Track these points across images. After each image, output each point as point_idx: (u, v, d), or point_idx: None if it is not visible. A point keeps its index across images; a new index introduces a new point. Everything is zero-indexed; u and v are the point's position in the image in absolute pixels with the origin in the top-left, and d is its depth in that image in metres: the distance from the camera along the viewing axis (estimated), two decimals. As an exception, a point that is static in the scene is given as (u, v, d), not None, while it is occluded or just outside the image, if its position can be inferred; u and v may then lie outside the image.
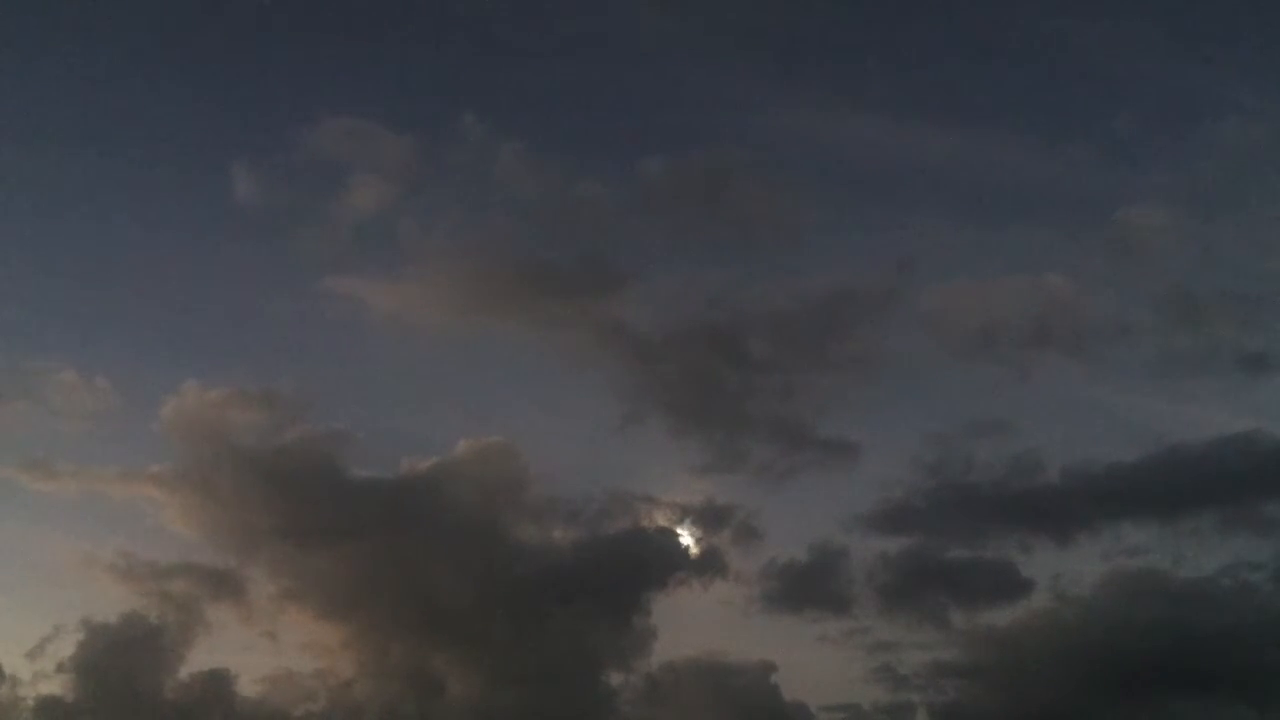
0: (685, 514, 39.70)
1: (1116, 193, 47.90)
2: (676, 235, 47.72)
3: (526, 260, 45.31)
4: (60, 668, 34.53)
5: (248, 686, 35.31)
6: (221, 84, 51.66)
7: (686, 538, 39.29)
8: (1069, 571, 36.79)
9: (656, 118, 51.74)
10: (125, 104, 50.07)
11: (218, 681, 35.00)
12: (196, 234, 49.55)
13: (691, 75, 52.32)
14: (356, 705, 35.17)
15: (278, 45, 52.16)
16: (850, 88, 52.14)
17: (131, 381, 43.19)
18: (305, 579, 37.63)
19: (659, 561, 38.12)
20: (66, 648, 34.82)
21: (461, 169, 47.21)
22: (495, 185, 47.00)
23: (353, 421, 41.79)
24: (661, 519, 39.67)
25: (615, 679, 35.64)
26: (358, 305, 46.68)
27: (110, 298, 48.37)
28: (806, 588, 37.67)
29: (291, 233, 47.04)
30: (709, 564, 38.54)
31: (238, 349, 48.58)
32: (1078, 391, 44.55)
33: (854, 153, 51.49)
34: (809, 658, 36.56)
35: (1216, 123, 46.29)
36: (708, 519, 39.50)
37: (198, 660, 35.56)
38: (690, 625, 37.86)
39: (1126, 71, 49.42)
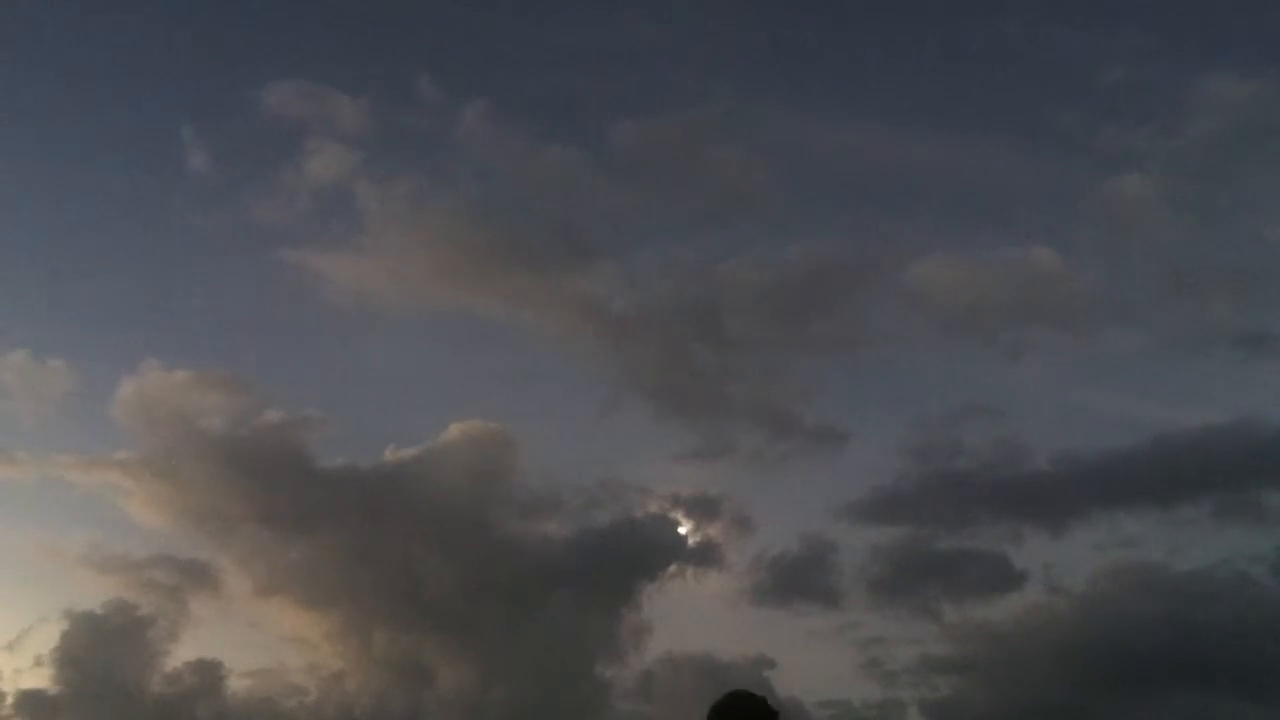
0: (675, 504, 39.22)
1: (1105, 161, 46.81)
2: (651, 205, 46.38)
3: (493, 231, 43.91)
4: (39, 661, 33.81)
5: (234, 680, 34.75)
6: (171, 48, 49.68)
7: (681, 529, 38.87)
8: (1062, 562, 36.30)
9: (628, 81, 50.14)
10: (72, 69, 48.00)
11: (207, 673, 34.31)
12: (149, 203, 47.98)
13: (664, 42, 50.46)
14: (348, 698, 34.58)
15: (226, 6, 49.83)
16: (834, 84, 50.44)
17: (88, 362, 42.17)
18: (287, 570, 37.04)
19: (651, 553, 37.55)
20: (45, 641, 34.13)
21: (421, 134, 45.70)
22: (457, 151, 45.50)
23: (322, 405, 41.08)
24: (652, 508, 39.15)
25: (608, 672, 35.13)
26: (317, 278, 45.64)
27: (61, 273, 46.80)
28: (797, 580, 37.21)
29: (247, 202, 45.88)
30: (701, 555, 38.18)
31: (197, 326, 47.92)
32: (1068, 373, 43.87)
33: (840, 145, 50.00)
34: (801, 652, 36.23)
35: (1209, 83, 44.63)
36: (698, 509, 39.10)
37: (181, 654, 34.83)
38: (682, 618, 37.56)
39: (1112, 32, 47.70)
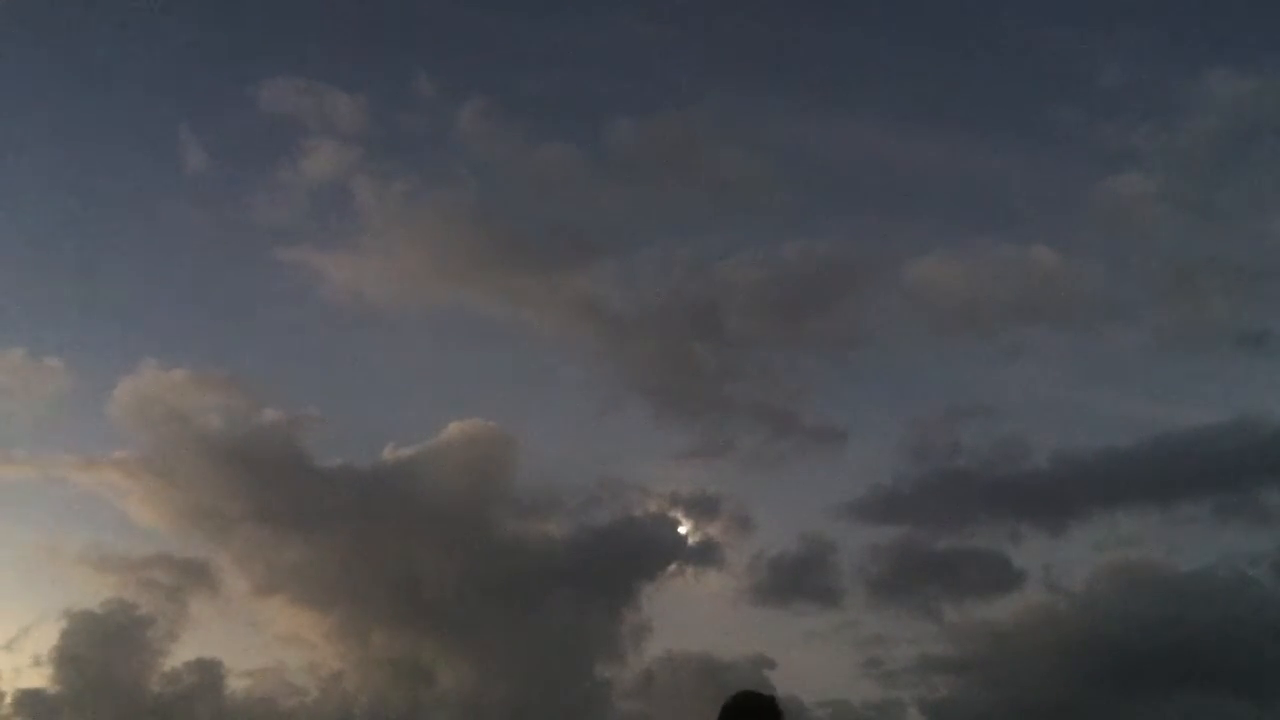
0: (674, 503, 39.16)
1: (1105, 159, 46.57)
2: (649, 203, 46.27)
3: (491, 229, 43.74)
4: (38, 660, 33.75)
5: (233, 680, 34.65)
6: (167, 46, 49.27)
7: (681, 528, 38.89)
8: (1061, 562, 36.08)
9: (627, 79, 49.95)
10: (67, 66, 47.52)
11: (206, 672, 34.24)
12: (145, 201, 47.48)
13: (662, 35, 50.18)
14: (347, 697, 34.54)
15: (223, 3, 49.48)
16: (833, 82, 50.02)
17: (85, 361, 41.76)
18: (286, 570, 37.00)
19: (651, 553, 37.62)
20: (43, 640, 34.03)
21: (418, 132, 45.66)
22: (454, 149, 45.48)
23: (321, 404, 40.65)
24: (651, 507, 39.10)
25: (608, 672, 35.14)
26: (315, 277, 45.41)
27: (57, 272, 46.37)
28: (797, 580, 37.16)
29: (244, 200, 45.56)
30: (701, 555, 38.23)
31: (194, 325, 47.34)
32: (1067, 372, 43.76)
33: (839, 144, 49.72)
34: (801, 652, 36.11)
35: (1209, 81, 44.19)
36: (697, 508, 39.00)
37: (180, 653, 34.74)
38: (681, 618, 37.60)
39: (1111, 30, 47.33)
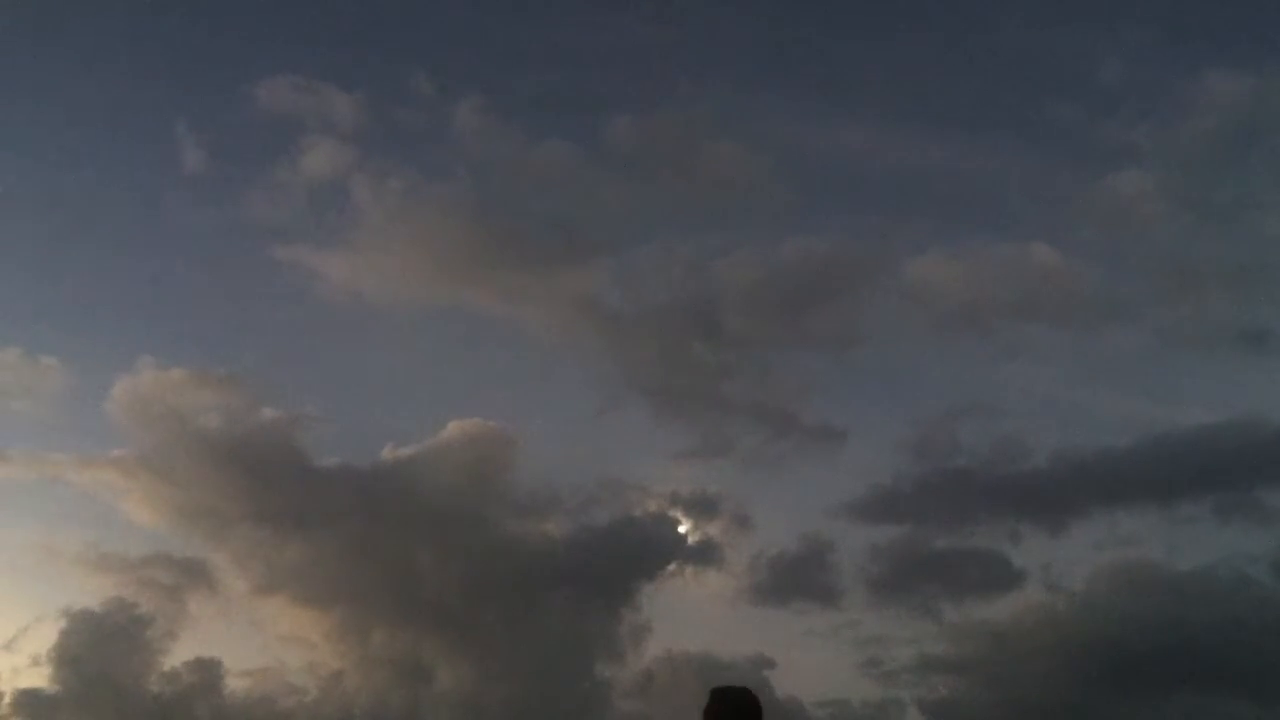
0: (674, 503, 39.09)
1: (1104, 157, 46.54)
2: (648, 201, 46.26)
3: (489, 228, 43.81)
4: (36, 660, 33.72)
5: (233, 679, 34.60)
6: (164, 44, 49.39)
7: (681, 527, 38.84)
8: (1061, 561, 36.04)
9: (625, 77, 49.87)
10: (64, 65, 47.59)
11: (205, 672, 34.20)
12: (143, 200, 47.63)
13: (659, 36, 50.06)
14: (346, 697, 34.51)
15: (220, 1, 49.44)
16: (831, 80, 50.02)
17: (82, 360, 41.88)
18: (286, 569, 36.97)
19: (650, 552, 37.54)
20: (42, 640, 33.99)
21: (416, 130, 45.83)
22: (452, 147, 45.48)
23: (319, 402, 40.79)
24: (651, 507, 39.07)
25: (607, 672, 35.01)
26: (313, 275, 45.57)
27: (54, 270, 46.57)
28: (796, 580, 37.18)
29: (242, 199, 45.60)
30: (700, 554, 38.20)
31: (192, 323, 47.46)
32: (1067, 371, 43.79)
33: (837, 142, 49.65)
34: (800, 651, 36.06)
35: (1208, 79, 44.16)
36: (697, 508, 38.97)
37: (179, 653, 34.68)
38: (681, 617, 37.56)
39: (1111, 28, 47.24)
